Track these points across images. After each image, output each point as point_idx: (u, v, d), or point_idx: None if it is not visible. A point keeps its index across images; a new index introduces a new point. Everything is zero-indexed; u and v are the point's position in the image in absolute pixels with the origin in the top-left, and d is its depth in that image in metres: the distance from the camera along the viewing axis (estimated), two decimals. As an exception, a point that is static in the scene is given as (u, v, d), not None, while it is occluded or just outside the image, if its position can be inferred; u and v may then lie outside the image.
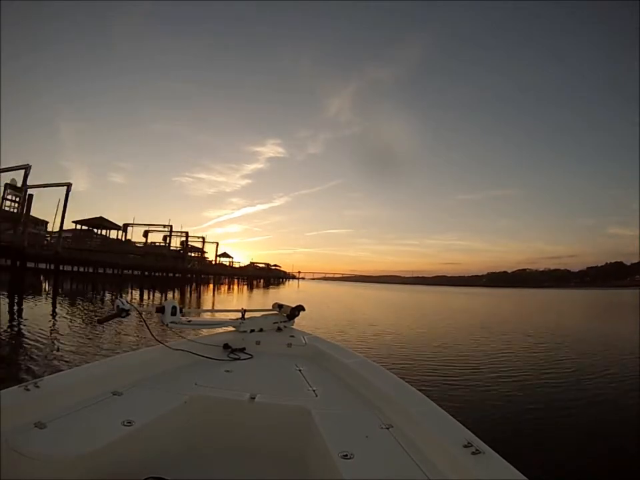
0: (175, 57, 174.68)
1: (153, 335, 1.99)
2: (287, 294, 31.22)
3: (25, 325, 7.96)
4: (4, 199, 12.17)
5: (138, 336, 6.67)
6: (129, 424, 1.25)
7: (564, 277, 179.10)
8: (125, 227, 27.58)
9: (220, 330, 2.53)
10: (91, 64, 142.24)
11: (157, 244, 30.56)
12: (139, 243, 28.93)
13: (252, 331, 2.46)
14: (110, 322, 1.94)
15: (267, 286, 46.04)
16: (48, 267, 21.17)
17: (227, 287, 37.62)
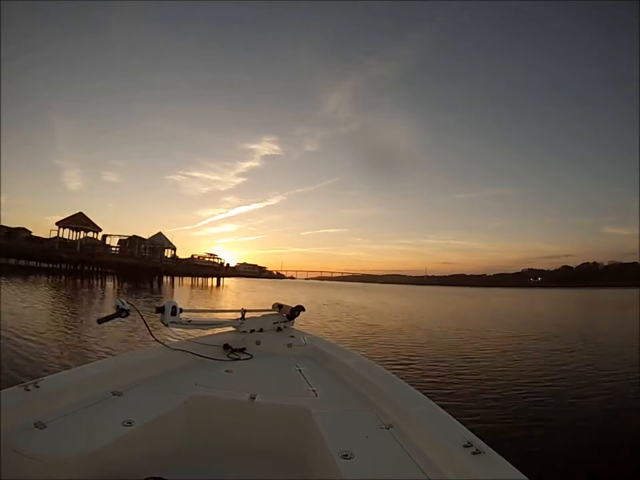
0: (170, 54, 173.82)
1: (152, 335, 1.99)
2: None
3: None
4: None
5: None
6: (129, 424, 1.25)
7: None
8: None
9: (220, 330, 2.53)
10: (86, 62, 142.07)
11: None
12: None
13: (252, 331, 2.46)
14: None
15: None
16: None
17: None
